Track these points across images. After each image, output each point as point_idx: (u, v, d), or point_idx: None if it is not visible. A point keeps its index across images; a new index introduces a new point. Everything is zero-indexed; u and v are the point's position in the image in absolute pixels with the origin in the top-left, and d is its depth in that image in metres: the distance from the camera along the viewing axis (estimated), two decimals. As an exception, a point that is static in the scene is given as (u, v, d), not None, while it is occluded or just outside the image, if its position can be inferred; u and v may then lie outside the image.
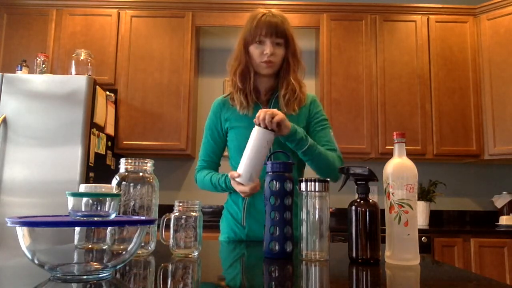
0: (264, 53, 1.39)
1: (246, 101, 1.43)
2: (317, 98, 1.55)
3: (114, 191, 0.82)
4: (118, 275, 0.78)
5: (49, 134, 2.54)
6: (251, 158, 1.23)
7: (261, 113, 1.22)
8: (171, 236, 1.02)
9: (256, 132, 1.23)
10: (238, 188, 1.28)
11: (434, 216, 3.21)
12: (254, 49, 1.42)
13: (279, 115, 1.23)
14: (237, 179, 1.26)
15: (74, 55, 2.85)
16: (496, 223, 3.12)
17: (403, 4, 3.24)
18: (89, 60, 2.85)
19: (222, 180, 1.39)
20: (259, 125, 1.23)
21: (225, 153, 1.55)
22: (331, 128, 1.50)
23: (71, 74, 2.80)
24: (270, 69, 1.43)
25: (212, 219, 2.71)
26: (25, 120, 2.56)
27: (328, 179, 1.01)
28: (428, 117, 3.10)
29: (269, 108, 1.44)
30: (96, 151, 2.70)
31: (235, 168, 1.38)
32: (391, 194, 0.96)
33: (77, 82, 2.61)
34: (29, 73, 2.88)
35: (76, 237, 0.79)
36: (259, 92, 1.49)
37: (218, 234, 1.53)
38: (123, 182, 0.97)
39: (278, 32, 1.39)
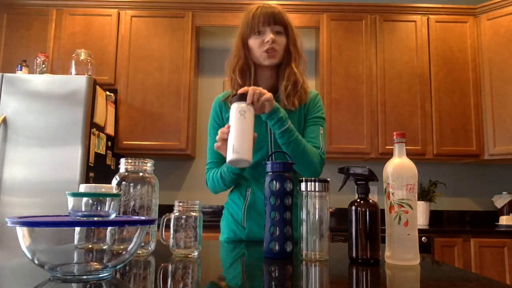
0: (265, 41, 1.35)
1: None
2: (319, 95, 1.49)
3: (114, 191, 0.82)
4: (118, 275, 0.78)
5: (49, 134, 2.54)
6: (233, 132, 1.13)
7: (250, 90, 1.16)
8: (171, 236, 1.02)
9: (233, 108, 1.16)
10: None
11: (434, 216, 3.21)
12: (253, 41, 1.38)
13: (268, 94, 1.20)
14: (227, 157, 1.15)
15: (74, 55, 2.85)
16: (496, 223, 3.12)
17: (403, 4, 3.24)
18: (89, 60, 2.85)
19: (226, 166, 1.33)
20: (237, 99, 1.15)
21: None
22: (323, 126, 1.43)
23: (71, 74, 2.80)
24: (273, 59, 1.37)
25: (212, 219, 2.72)
26: (25, 120, 2.56)
27: (328, 179, 1.01)
28: (428, 117, 3.10)
29: None
30: (96, 151, 2.70)
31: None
32: (391, 194, 0.96)
33: (77, 82, 2.61)
34: (29, 73, 2.88)
35: (76, 237, 0.79)
36: None
37: (218, 234, 1.52)
38: (123, 182, 0.97)
39: (277, 20, 1.36)
